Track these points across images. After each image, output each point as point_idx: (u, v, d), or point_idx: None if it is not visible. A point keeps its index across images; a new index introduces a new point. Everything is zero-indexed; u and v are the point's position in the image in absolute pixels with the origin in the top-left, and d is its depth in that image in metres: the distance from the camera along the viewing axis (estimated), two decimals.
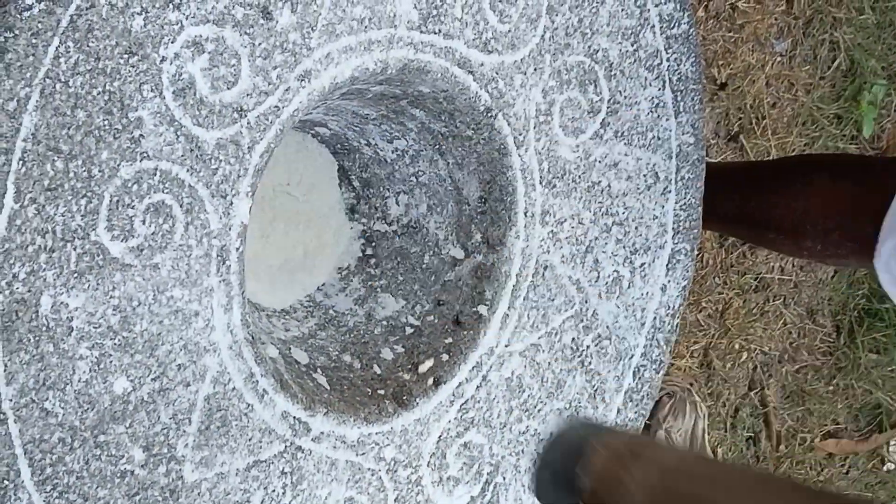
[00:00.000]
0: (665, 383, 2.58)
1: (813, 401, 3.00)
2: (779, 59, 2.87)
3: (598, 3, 1.61)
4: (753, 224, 2.05)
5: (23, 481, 1.20)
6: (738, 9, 2.74)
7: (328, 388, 1.52)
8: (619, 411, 1.75)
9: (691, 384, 2.66)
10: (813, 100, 2.92)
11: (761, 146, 2.81)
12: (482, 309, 1.62)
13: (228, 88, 1.30)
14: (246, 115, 1.32)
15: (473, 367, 1.61)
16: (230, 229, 1.33)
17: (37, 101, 1.15)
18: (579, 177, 1.65)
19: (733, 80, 2.76)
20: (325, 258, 1.74)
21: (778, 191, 1.97)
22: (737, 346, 2.82)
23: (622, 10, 1.64)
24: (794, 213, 1.93)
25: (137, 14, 1.21)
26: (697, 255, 2.54)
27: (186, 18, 1.25)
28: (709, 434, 2.65)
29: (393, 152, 1.69)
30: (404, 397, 1.55)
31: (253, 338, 1.39)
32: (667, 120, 1.73)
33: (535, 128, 1.59)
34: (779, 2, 2.85)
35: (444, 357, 1.61)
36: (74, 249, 1.21)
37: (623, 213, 1.70)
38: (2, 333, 1.17)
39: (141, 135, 1.23)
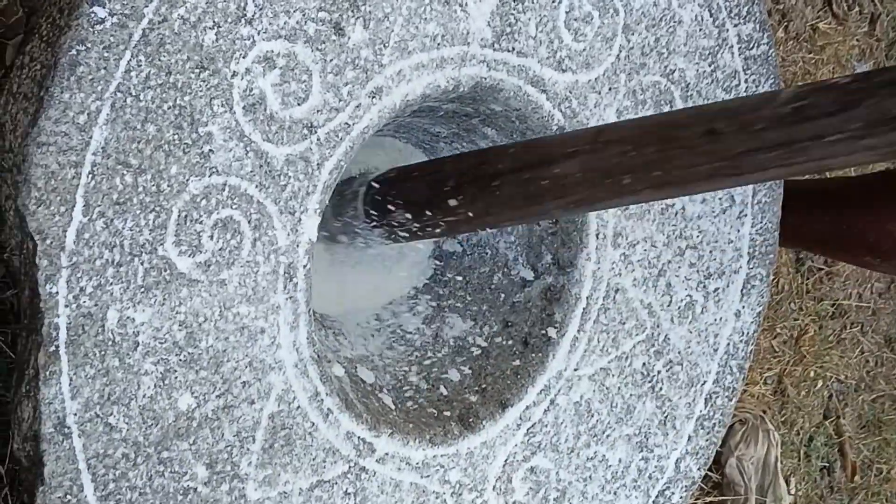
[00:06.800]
0: (738, 410, 2.52)
1: (890, 431, 2.92)
2: None
3: (675, 22, 1.58)
4: (848, 246, 2.00)
5: (86, 496, 1.20)
6: (819, 30, 2.69)
7: (393, 408, 1.50)
8: (689, 438, 1.71)
9: (764, 411, 2.60)
10: None
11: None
12: (551, 331, 1.59)
13: (299, 104, 1.29)
14: (316, 132, 1.31)
15: (541, 391, 1.58)
16: (298, 246, 1.32)
17: (107, 114, 1.15)
18: None
19: None
20: (394, 277, 1.73)
21: (871, 211, 1.92)
22: (812, 374, 2.76)
23: (700, 29, 1.61)
24: (891, 236, 1.89)
25: (209, 29, 1.21)
26: (773, 279, 2.49)
27: (258, 34, 1.24)
28: (781, 463, 2.59)
29: None
30: (470, 419, 1.53)
31: (319, 356, 1.37)
32: None
33: None
34: (861, 24, 2.79)
35: (511, 380, 1.58)
36: (142, 264, 1.20)
37: (697, 236, 1.67)
38: (68, 347, 1.17)
39: (210, 150, 1.23)
